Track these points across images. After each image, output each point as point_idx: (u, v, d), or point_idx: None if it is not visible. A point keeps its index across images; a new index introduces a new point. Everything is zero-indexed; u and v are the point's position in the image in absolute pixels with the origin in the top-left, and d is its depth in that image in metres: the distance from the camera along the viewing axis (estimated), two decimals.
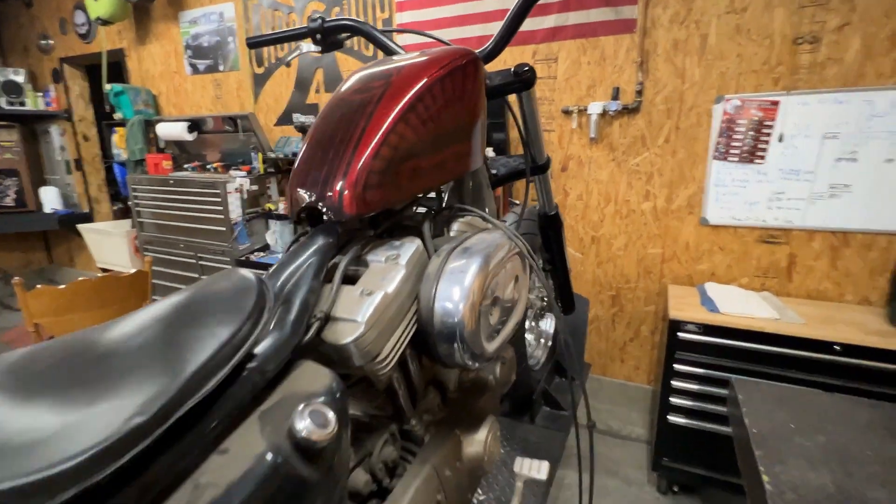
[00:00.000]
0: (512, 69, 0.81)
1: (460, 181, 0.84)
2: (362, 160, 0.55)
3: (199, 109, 3.42)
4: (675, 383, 1.83)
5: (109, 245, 3.44)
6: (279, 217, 2.96)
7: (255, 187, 2.90)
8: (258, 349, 0.40)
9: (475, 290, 0.56)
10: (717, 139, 1.99)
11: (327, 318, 0.49)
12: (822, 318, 1.73)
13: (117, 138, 3.45)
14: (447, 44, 0.84)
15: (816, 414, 1.21)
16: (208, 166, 3.09)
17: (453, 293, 0.55)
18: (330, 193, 0.54)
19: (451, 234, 0.69)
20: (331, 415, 0.38)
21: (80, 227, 3.71)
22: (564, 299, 1.37)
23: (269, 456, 0.34)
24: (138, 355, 0.35)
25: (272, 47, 3.01)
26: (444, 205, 0.81)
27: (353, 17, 2.68)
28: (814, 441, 1.10)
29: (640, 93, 2.09)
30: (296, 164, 0.61)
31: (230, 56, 3.17)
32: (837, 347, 1.58)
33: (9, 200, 4.15)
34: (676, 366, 1.82)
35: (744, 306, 1.80)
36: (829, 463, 1.03)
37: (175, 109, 3.54)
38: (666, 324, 1.85)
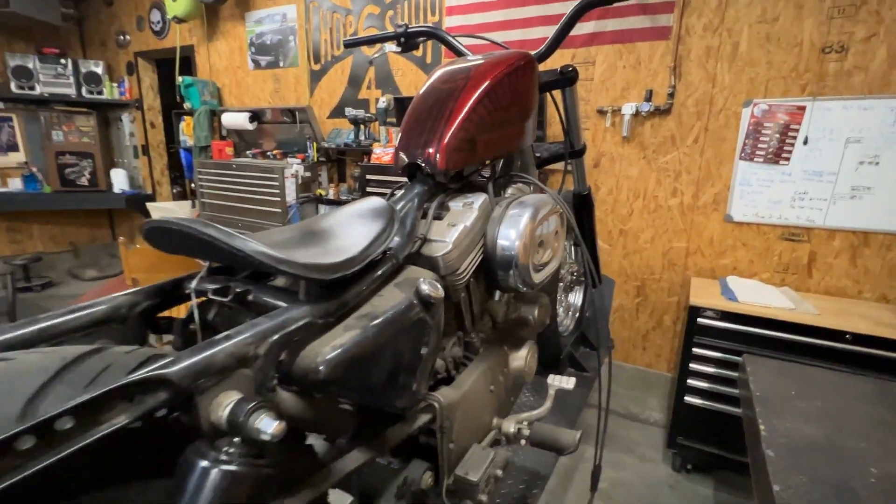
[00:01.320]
0: (559, 69, 1.00)
1: (512, 156, 1.03)
2: (450, 132, 0.75)
3: (258, 101, 3.73)
4: (693, 366, 1.97)
5: None
6: (328, 202, 3.22)
7: (308, 174, 3.17)
8: (391, 244, 0.61)
9: (528, 232, 0.75)
10: (744, 140, 2.11)
11: (425, 240, 0.69)
12: (837, 311, 1.84)
13: (185, 126, 3.79)
14: (505, 47, 1.04)
15: (817, 385, 1.36)
16: (268, 153, 3.38)
17: (511, 232, 0.75)
18: (427, 153, 0.75)
19: (506, 194, 0.88)
20: (440, 286, 0.59)
21: (150, 205, 4.09)
22: (592, 275, 1.53)
23: (408, 300, 0.55)
24: (340, 232, 0.58)
25: (329, 47, 3.27)
26: (499, 173, 1.01)
27: (406, 19, 2.91)
28: (810, 404, 1.25)
29: (671, 95, 2.23)
30: (400, 134, 0.82)
31: (290, 53, 3.45)
32: (848, 336, 1.69)
33: (83, 180, 4.59)
34: (695, 349, 1.96)
35: (762, 297, 1.92)
36: (822, 421, 1.18)
37: (236, 101, 3.87)
38: (687, 311, 2.00)
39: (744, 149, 2.12)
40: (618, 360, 2.61)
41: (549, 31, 2.44)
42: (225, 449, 0.35)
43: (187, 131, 3.77)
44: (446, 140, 0.75)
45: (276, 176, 3.00)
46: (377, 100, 3.13)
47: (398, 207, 0.70)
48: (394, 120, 2.93)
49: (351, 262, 0.54)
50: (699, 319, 1.93)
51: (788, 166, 2.05)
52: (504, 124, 0.83)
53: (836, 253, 2.04)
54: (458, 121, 0.76)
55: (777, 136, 2.05)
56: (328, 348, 0.45)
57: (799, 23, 1.95)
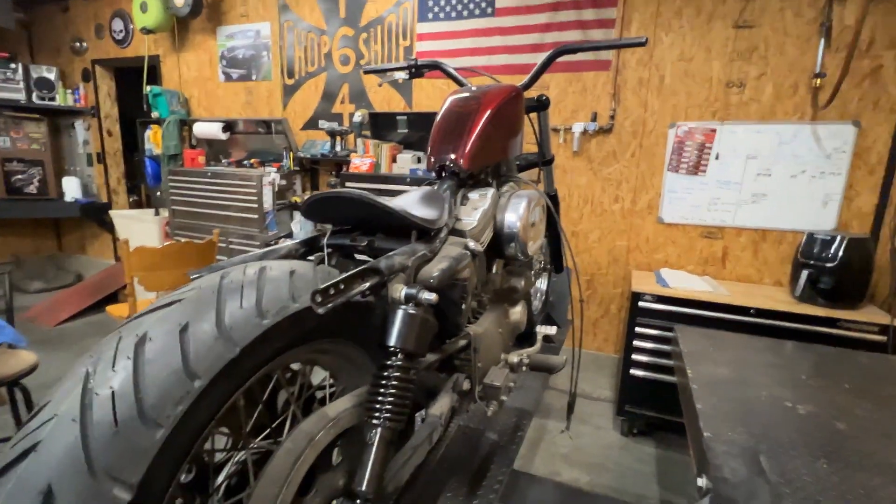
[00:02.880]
0: (535, 97, 1.31)
1: (503, 162, 1.32)
2: (470, 143, 1.03)
3: (228, 112, 3.84)
4: (636, 343, 2.35)
5: (140, 230, 3.78)
6: None
7: (283, 182, 3.33)
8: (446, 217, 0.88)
9: (524, 215, 1.05)
10: (671, 156, 2.56)
11: (457, 218, 0.96)
12: (745, 293, 2.29)
13: (151, 135, 3.82)
14: (496, 80, 1.35)
15: (728, 343, 1.75)
16: (245, 162, 3.50)
17: (514, 215, 1.04)
18: (454, 158, 1.02)
19: (502, 190, 1.17)
20: (480, 245, 0.87)
21: (113, 213, 4.03)
22: (557, 262, 1.86)
23: (462, 249, 0.82)
24: (422, 205, 0.84)
25: (303, 64, 3.47)
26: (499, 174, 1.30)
27: (379, 43, 3.18)
28: (723, 355, 1.63)
29: (612, 117, 2.65)
30: (430, 143, 1.09)
31: (263, 68, 3.61)
32: (752, 311, 2.13)
33: (32, 188, 4.42)
34: (637, 329, 2.34)
35: (688, 284, 2.35)
36: (730, 365, 1.55)
37: (206, 111, 3.95)
38: (629, 297, 2.38)
39: (670, 162, 2.57)
40: (570, 347, 2.97)
41: (511, 59, 2.82)
42: (405, 307, 0.62)
43: (154, 140, 3.80)
44: (468, 149, 1.03)
45: (255, 184, 3.14)
46: (351, 114, 3.37)
47: (438, 195, 0.97)
48: (368, 133, 3.18)
49: (439, 222, 0.81)
50: (640, 303, 2.32)
51: (705, 177, 2.51)
52: (503, 138, 1.13)
53: (742, 247, 2.52)
54: (475, 135, 1.04)
55: (696, 152, 2.51)
56: (436, 269, 0.70)
57: (708, 63, 2.44)
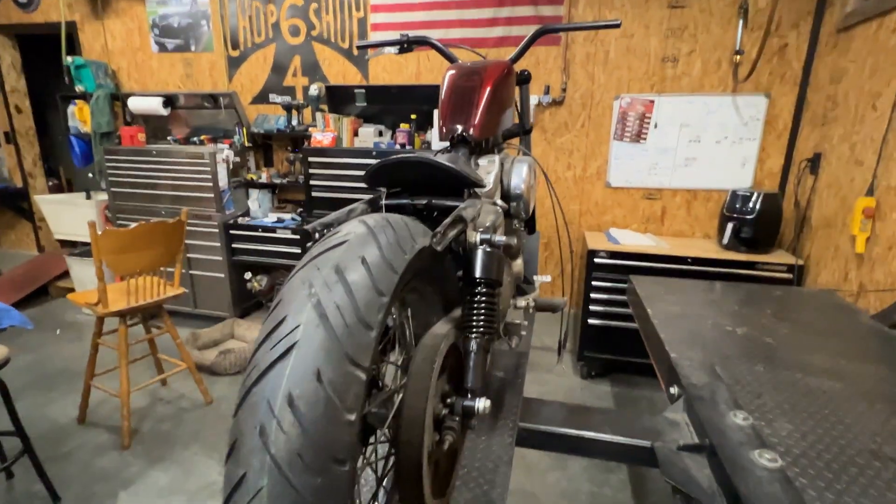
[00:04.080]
0: (519, 71, 1.45)
1: (499, 132, 1.46)
2: (479, 113, 1.15)
3: (165, 86, 3.60)
4: (593, 295, 2.63)
5: (73, 216, 3.49)
6: (260, 185, 3.31)
7: (237, 159, 3.23)
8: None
9: (527, 178, 1.19)
10: (616, 125, 2.82)
11: None
12: (682, 245, 2.63)
13: (76, 111, 3.49)
14: (482, 56, 1.47)
15: (675, 287, 2.04)
16: (194, 139, 3.33)
17: (518, 178, 1.18)
18: (467, 127, 1.14)
19: (499, 156, 1.31)
20: (500, 208, 1.01)
21: (39, 198, 3.66)
22: (530, 224, 2.05)
23: (493, 206, 0.95)
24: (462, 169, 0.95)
25: (248, 34, 3.33)
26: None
27: (330, 13, 3.13)
28: (672, 297, 1.91)
29: (564, 90, 2.85)
30: (441, 115, 1.19)
31: (203, 38, 3.41)
32: (689, 259, 2.47)
33: None
34: (593, 282, 2.62)
35: (634, 240, 2.65)
36: (680, 304, 1.83)
37: (137, 85, 3.66)
38: (585, 254, 2.64)
39: (616, 131, 2.83)
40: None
41: (467, 33, 2.91)
42: (484, 246, 0.75)
43: (80, 116, 3.49)
44: (478, 119, 1.15)
45: (207, 161, 3.02)
46: (305, 87, 3.30)
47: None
48: (325, 107, 3.15)
49: (481, 184, 0.92)
50: (595, 259, 2.58)
51: (646, 144, 2.81)
52: (502, 110, 1.25)
53: (678, 206, 2.86)
54: (482, 107, 1.16)
55: (637, 121, 2.79)
56: (487, 220, 0.83)
57: (647, 40, 2.69)
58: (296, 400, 0.41)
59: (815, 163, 2.36)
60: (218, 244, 3.14)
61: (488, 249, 0.75)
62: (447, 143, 1.17)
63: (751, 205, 2.41)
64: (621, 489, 1.97)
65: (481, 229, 0.76)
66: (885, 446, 0.93)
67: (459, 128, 1.14)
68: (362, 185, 2.80)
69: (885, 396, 1.12)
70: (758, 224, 2.41)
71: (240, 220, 3.16)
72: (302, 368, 0.42)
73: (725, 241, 2.48)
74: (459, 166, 0.84)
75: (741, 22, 2.50)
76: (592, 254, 2.58)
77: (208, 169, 3.04)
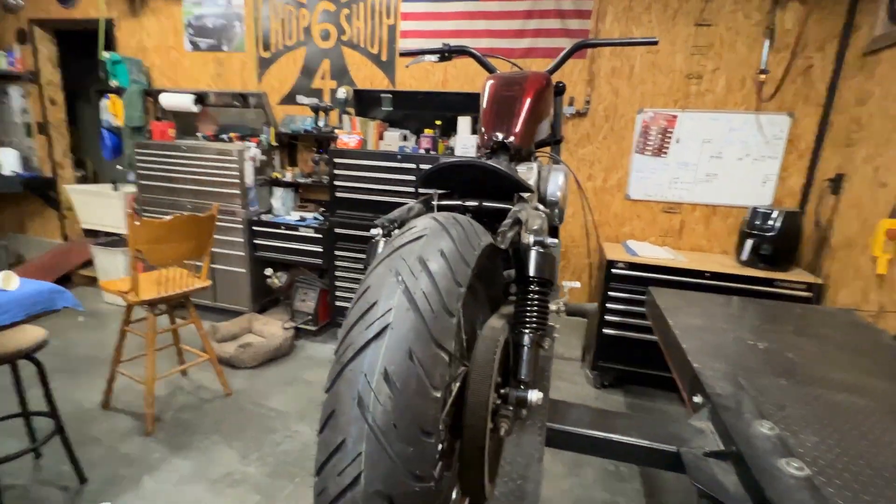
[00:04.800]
0: (556, 83, 1.50)
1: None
2: (520, 123, 1.20)
3: (196, 84, 3.69)
4: (609, 305, 2.66)
5: (101, 206, 3.58)
6: (284, 184, 3.39)
7: (264, 157, 3.31)
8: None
9: (563, 185, 1.24)
10: (638, 139, 2.86)
11: None
12: (700, 259, 2.65)
13: (110, 105, 3.59)
14: (520, 68, 1.52)
15: (694, 300, 2.06)
16: (223, 136, 3.41)
17: (554, 185, 1.23)
18: (509, 135, 1.19)
19: (536, 162, 1.36)
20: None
21: (68, 187, 3.77)
22: (553, 228, 2.09)
23: (537, 210, 1.00)
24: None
25: (280, 37, 3.42)
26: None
27: (361, 19, 3.21)
28: (693, 310, 1.94)
29: (588, 102, 2.90)
30: (483, 122, 1.24)
31: (235, 38, 3.51)
32: (707, 274, 2.49)
33: None
34: (610, 293, 2.65)
35: (651, 253, 2.67)
36: (700, 316, 1.86)
37: (169, 82, 3.77)
38: (604, 264, 2.67)
39: (638, 145, 2.87)
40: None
41: (494, 43, 2.97)
42: (537, 247, 0.79)
43: (113, 110, 3.59)
44: (518, 128, 1.20)
45: (235, 158, 3.10)
46: (332, 90, 3.38)
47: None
48: (352, 110, 3.22)
49: (531, 189, 0.97)
50: (613, 269, 2.61)
51: (667, 158, 2.84)
52: (541, 119, 1.30)
53: (697, 221, 2.88)
54: (523, 116, 1.21)
55: (659, 136, 2.82)
56: (535, 224, 0.87)
57: (672, 56, 2.73)
58: (391, 375, 0.45)
59: (836, 183, 2.38)
60: (241, 240, 3.21)
61: (541, 250, 0.79)
62: (484, 150, 1.22)
63: (771, 222, 2.43)
64: (635, 499, 1.98)
65: (533, 231, 0.81)
66: None
67: (500, 135, 1.18)
68: (386, 186, 2.85)
69: None
70: (778, 241, 2.42)
71: (263, 217, 3.23)
72: (396, 347, 0.46)
73: (744, 256, 2.50)
74: (512, 171, 0.88)
75: (767, 42, 2.54)
76: (610, 264, 2.60)
77: (236, 166, 3.11)
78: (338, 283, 3.08)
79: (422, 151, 2.92)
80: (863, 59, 2.32)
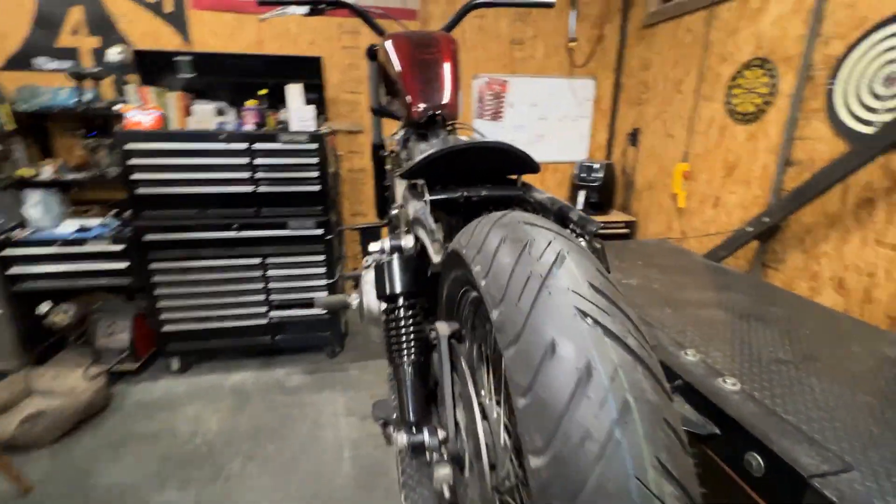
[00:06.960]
0: None
1: None
2: (452, 92, 1.04)
3: None
4: None
5: None
6: (41, 185, 2.43)
7: None
8: None
9: None
10: (477, 104, 2.94)
11: None
12: None
13: None
14: (403, 25, 1.32)
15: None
16: None
17: None
18: (444, 107, 1.01)
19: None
20: None
21: None
22: None
23: None
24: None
25: None
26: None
27: None
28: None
29: None
30: (409, 92, 1.01)
31: None
32: None
33: None
34: None
35: None
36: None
37: None
38: None
39: (477, 110, 2.95)
40: None
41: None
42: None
43: None
44: (450, 98, 1.03)
45: None
46: (96, 50, 2.51)
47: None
48: (134, 78, 2.46)
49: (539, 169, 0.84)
50: None
51: (503, 122, 3.00)
52: (459, 87, 1.16)
53: (532, 179, 3.16)
54: (453, 84, 1.05)
55: (495, 101, 2.95)
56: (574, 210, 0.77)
57: (497, 22, 2.83)
58: (666, 463, 0.32)
59: (634, 136, 2.89)
60: None
61: (598, 246, 0.70)
62: (414, 124, 1.03)
63: (595, 174, 2.82)
64: None
65: (578, 221, 0.71)
66: (779, 352, 1.20)
67: (437, 107, 1.02)
68: (209, 174, 2.30)
69: (755, 315, 1.43)
70: (601, 190, 2.84)
71: (15, 235, 2.27)
72: (651, 421, 0.32)
73: (580, 206, 2.86)
74: (526, 151, 0.76)
75: (574, 12, 2.84)
76: None
77: None
78: (164, 303, 2.41)
79: (249, 127, 2.43)
80: (642, 31, 2.80)
